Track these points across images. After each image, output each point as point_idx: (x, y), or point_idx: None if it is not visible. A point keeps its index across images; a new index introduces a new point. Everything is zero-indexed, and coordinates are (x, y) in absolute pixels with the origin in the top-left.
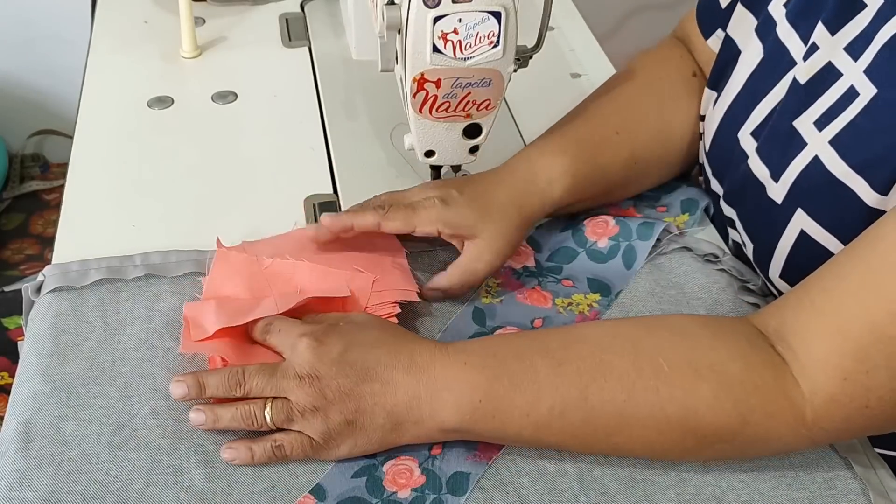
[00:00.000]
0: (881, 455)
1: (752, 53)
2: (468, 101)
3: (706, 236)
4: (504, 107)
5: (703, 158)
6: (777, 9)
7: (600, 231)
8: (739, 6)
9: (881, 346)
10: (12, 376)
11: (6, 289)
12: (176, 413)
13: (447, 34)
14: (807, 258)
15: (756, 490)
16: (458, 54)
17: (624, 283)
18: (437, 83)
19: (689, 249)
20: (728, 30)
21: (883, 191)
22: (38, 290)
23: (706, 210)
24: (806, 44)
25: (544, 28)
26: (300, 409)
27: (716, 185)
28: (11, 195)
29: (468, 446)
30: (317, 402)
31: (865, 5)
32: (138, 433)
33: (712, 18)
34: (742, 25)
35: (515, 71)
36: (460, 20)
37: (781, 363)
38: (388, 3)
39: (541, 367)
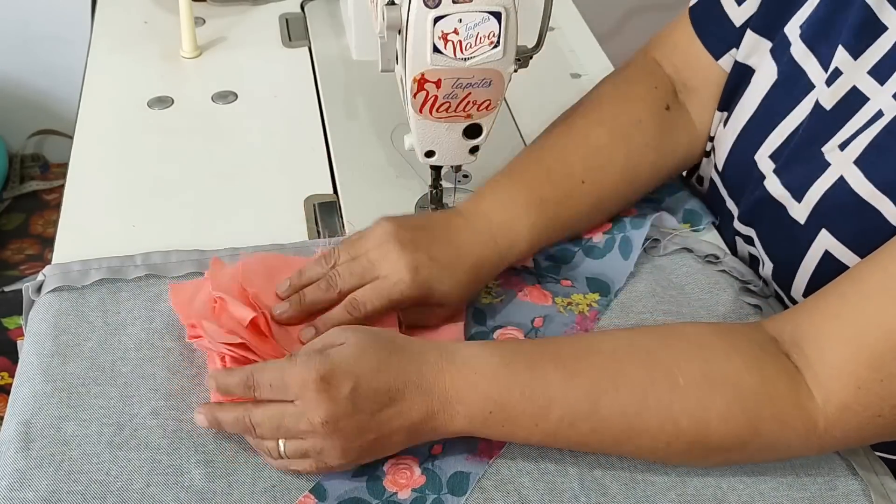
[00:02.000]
0: (880, 458)
1: (765, 74)
2: (468, 102)
3: (707, 238)
4: (504, 107)
5: (713, 177)
6: (792, 30)
7: (594, 228)
8: (750, 32)
9: None
10: (12, 376)
11: (6, 289)
12: (176, 413)
13: (447, 34)
14: (831, 277)
15: (757, 491)
16: (459, 54)
17: (622, 279)
18: (438, 83)
19: (689, 250)
20: (739, 57)
21: None
22: (39, 289)
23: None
24: (825, 67)
25: (544, 28)
26: (317, 450)
27: (731, 205)
28: (11, 195)
29: (469, 445)
30: (335, 442)
31: (887, 28)
32: (138, 433)
33: (725, 37)
34: (755, 50)
35: (516, 71)
36: (460, 20)
37: (796, 372)
38: (388, 4)
39: (552, 377)
